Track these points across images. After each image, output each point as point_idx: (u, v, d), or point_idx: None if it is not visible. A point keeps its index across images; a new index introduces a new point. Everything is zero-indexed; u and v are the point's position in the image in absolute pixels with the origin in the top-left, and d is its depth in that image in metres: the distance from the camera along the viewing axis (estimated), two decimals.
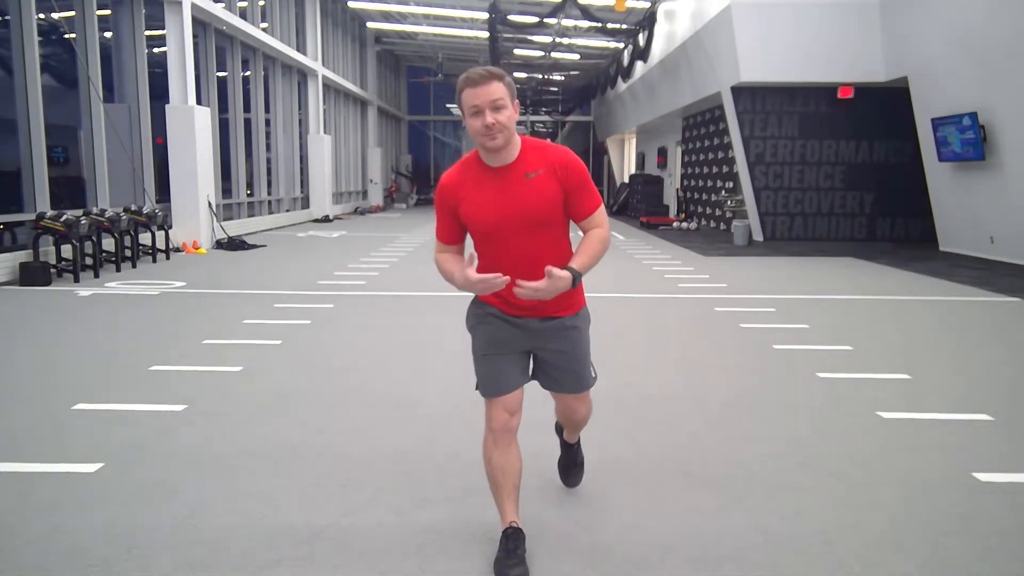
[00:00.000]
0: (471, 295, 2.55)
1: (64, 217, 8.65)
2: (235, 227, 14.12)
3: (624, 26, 18.38)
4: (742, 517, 2.78)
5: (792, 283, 9.20)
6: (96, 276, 9.07)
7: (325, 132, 21.10)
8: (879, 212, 14.62)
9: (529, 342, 2.47)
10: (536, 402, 2.86)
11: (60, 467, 3.17)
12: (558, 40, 21.62)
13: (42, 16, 10.26)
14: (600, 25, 17.26)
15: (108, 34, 12.17)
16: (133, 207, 10.70)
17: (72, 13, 10.79)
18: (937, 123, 11.55)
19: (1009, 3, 9.71)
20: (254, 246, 12.98)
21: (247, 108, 16.60)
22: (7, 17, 9.32)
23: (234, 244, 12.78)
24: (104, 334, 5.95)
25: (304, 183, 20.45)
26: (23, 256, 8.72)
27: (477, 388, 2.49)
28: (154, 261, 10.65)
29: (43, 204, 9.52)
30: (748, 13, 12.80)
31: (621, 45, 21.68)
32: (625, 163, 31.85)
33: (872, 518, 2.77)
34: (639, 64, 19.58)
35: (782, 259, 11.71)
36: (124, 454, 3.33)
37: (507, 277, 2.18)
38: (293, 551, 2.50)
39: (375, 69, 27.53)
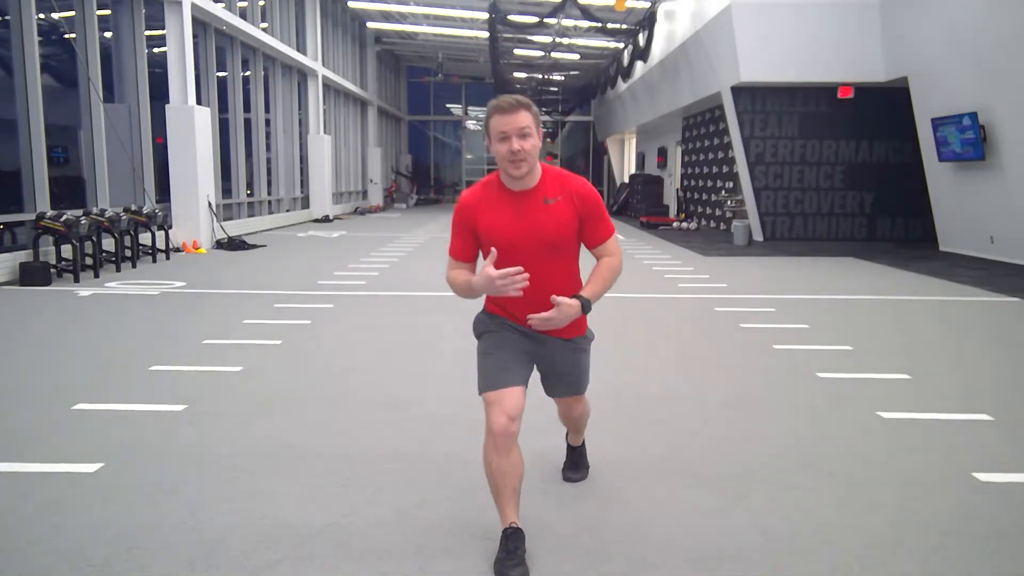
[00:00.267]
0: (476, 299, 2.60)
1: (64, 217, 8.65)
2: (235, 227, 14.12)
3: (624, 26, 18.38)
4: (742, 517, 2.78)
5: (792, 283, 9.21)
6: (96, 276, 9.07)
7: (325, 132, 21.10)
8: (879, 212, 14.62)
9: (535, 349, 2.57)
10: (537, 405, 2.86)
11: (60, 467, 3.17)
12: (558, 40, 21.61)
13: (42, 16, 10.26)
14: (600, 25, 17.25)
15: (108, 34, 12.17)
16: (133, 207, 10.70)
17: (72, 13, 10.79)
18: (937, 123, 11.55)
19: (1009, 3, 9.71)
20: (254, 246, 12.98)
21: (247, 108, 16.60)
22: (7, 17, 9.32)
23: (234, 244, 12.78)
24: (104, 334, 5.95)
25: (304, 183, 20.45)
26: (23, 256, 8.72)
27: (479, 392, 2.50)
28: (154, 261, 10.66)
29: (43, 204, 9.52)
30: (748, 13, 12.80)
31: (621, 45, 21.68)
32: (625, 163, 31.85)
33: (872, 518, 2.77)
34: (639, 64, 19.58)
35: (782, 259, 11.71)
36: (124, 454, 3.33)
37: (527, 274, 2.27)
38: (293, 551, 2.50)
39: (375, 69, 27.53)
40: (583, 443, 3.14)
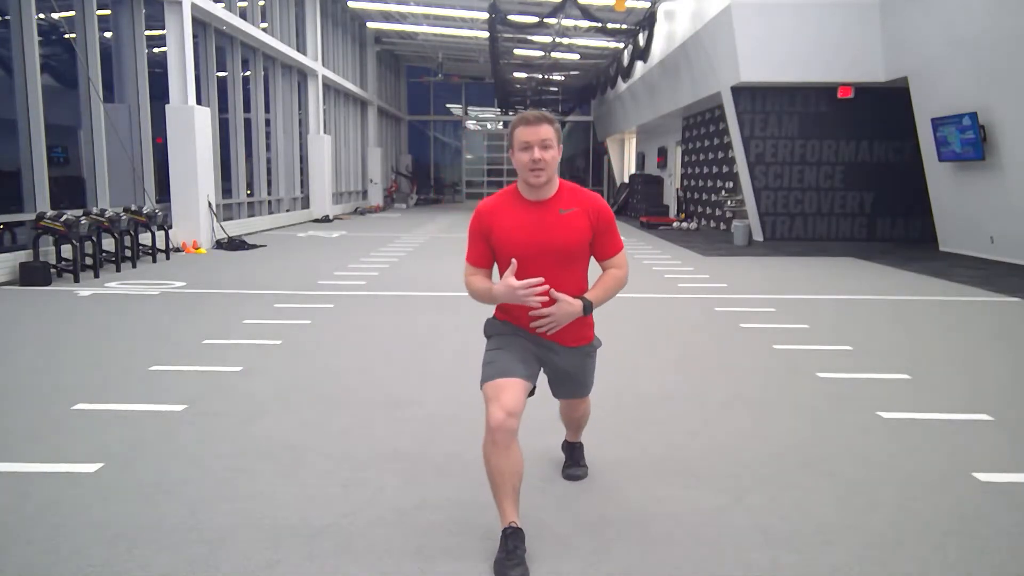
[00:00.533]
0: (475, 301, 2.66)
1: (64, 217, 8.65)
2: (235, 227, 14.12)
3: (624, 26, 18.38)
4: (742, 517, 2.78)
5: (792, 283, 9.21)
6: (96, 276, 9.07)
7: (325, 132, 21.10)
8: (879, 212, 14.62)
9: (543, 354, 2.63)
10: (537, 402, 2.86)
11: (60, 467, 3.17)
12: (558, 40, 21.61)
13: (42, 16, 10.26)
14: (600, 25, 17.25)
15: (108, 34, 12.17)
16: (133, 207, 10.70)
17: (72, 13, 10.79)
18: (937, 123, 11.55)
19: (1009, 3, 9.72)
20: (254, 246, 12.98)
21: (247, 108, 16.59)
22: (7, 17, 9.32)
23: (234, 244, 12.78)
24: (104, 334, 5.95)
25: (304, 183, 20.45)
26: (23, 256, 8.72)
27: (480, 386, 2.53)
28: (154, 261, 10.66)
29: (43, 204, 9.52)
30: (748, 13, 12.80)
31: (621, 45, 21.68)
32: (625, 163, 31.84)
33: (872, 518, 2.77)
34: (639, 64, 19.58)
35: (782, 259, 11.71)
36: (124, 454, 3.33)
37: (547, 287, 2.39)
38: (293, 551, 2.50)
39: (375, 69, 27.53)
40: (581, 442, 3.19)
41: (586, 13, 16.40)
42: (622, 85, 22.99)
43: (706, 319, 6.77)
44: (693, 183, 19.35)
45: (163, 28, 12.15)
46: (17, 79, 9.37)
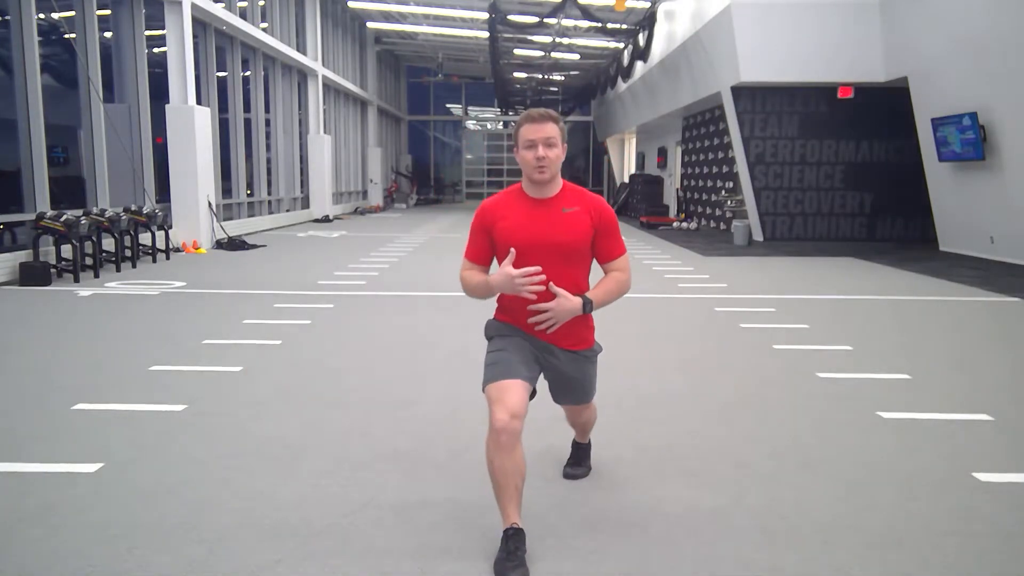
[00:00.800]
0: (478, 301, 2.67)
1: (64, 217, 8.65)
2: (235, 227, 14.12)
3: (624, 26, 18.38)
4: (742, 517, 2.78)
5: (792, 283, 9.21)
6: (96, 276, 9.07)
7: (325, 132, 21.10)
8: (879, 212, 14.62)
9: (544, 358, 2.62)
10: (539, 402, 2.85)
11: (60, 467, 3.17)
12: (558, 40, 21.61)
13: (42, 16, 10.25)
14: (600, 25, 17.25)
15: (108, 34, 12.17)
16: (133, 207, 10.70)
17: (72, 13, 10.79)
18: (937, 123, 11.55)
19: (1009, 3, 9.72)
20: (254, 246, 12.98)
21: (247, 108, 16.60)
22: (7, 17, 9.32)
23: (234, 244, 12.78)
24: (104, 334, 5.95)
25: (304, 183, 20.45)
26: (23, 256, 8.72)
27: (483, 388, 2.52)
28: (154, 261, 10.66)
29: (43, 204, 9.52)
30: (748, 13, 12.80)
31: (621, 45, 21.68)
32: (625, 163, 31.85)
33: (872, 518, 2.77)
34: (639, 64, 19.58)
35: (782, 259, 11.71)
36: (124, 454, 3.33)
37: (543, 275, 2.39)
38: (293, 551, 2.50)
39: (375, 69, 27.53)
40: (589, 442, 3.20)
41: (586, 13, 16.40)
42: (622, 85, 22.99)
43: (706, 319, 6.77)
44: (693, 183, 19.35)
45: (163, 28, 12.15)
46: (17, 79, 9.37)
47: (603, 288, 2.55)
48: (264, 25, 16.82)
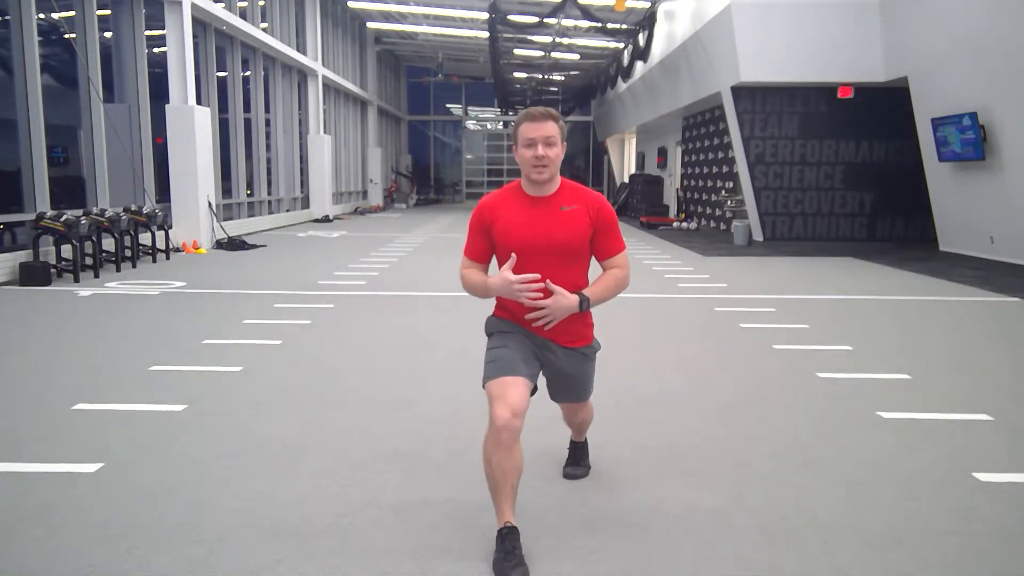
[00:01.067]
0: (478, 300, 2.69)
1: (64, 217, 8.65)
2: (235, 227, 14.12)
3: (624, 26, 18.38)
4: (742, 517, 2.78)
5: (792, 283, 9.21)
6: (96, 276, 9.07)
7: (325, 132, 21.10)
8: (879, 212, 14.62)
9: (542, 354, 2.62)
10: (538, 401, 2.85)
11: (60, 467, 3.17)
12: (558, 40, 21.61)
13: (42, 16, 10.25)
14: (600, 25, 17.25)
15: (108, 34, 12.17)
16: (133, 207, 10.70)
17: (72, 13, 10.79)
18: (937, 123, 11.55)
19: (1009, 3, 9.72)
20: (254, 246, 12.98)
21: (247, 108, 16.60)
22: (7, 17, 9.32)
23: (234, 244, 12.78)
24: (104, 334, 5.95)
25: (304, 183, 20.46)
26: (23, 256, 8.72)
27: (483, 385, 2.52)
28: (154, 261, 10.66)
29: (43, 204, 9.52)
30: (748, 13, 12.80)
31: (621, 45, 21.68)
32: (625, 163, 31.85)
33: (872, 518, 2.77)
34: (639, 64, 19.59)
35: (782, 259, 11.71)
36: (124, 454, 3.33)
37: (542, 284, 2.39)
38: (293, 551, 2.50)
39: (375, 69, 27.53)
40: (585, 441, 3.19)
41: (586, 13, 16.41)
42: (622, 85, 22.99)
43: (706, 319, 6.77)
44: (693, 183, 19.35)
45: (163, 28, 12.15)
46: (17, 79, 9.37)
47: (601, 285, 2.54)
48: (264, 25, 16.83)
